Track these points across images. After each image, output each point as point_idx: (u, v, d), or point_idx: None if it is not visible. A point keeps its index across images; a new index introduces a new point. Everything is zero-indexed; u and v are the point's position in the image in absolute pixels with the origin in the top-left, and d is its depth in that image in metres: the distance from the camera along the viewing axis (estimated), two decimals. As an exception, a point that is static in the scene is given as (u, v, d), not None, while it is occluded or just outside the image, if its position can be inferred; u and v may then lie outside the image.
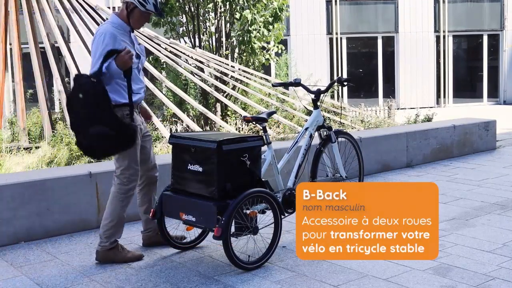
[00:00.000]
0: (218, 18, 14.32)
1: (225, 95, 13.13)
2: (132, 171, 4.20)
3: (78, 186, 4.97)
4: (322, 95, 5.07)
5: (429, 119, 11.65)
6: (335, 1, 21.57)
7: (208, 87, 12.87)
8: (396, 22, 21.96)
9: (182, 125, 12.64)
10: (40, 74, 11.97)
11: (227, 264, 4.10)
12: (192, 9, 14.07)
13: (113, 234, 4.22)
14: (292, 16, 20.67)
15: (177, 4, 13.86)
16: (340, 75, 21.62)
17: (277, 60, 16.94)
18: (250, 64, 14.33)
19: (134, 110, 4.17)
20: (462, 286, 3.68)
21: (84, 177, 5.02)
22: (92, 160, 8.82)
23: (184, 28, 14.56)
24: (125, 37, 4.18)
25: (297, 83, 5.03)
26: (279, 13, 14.09)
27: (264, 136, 4.40)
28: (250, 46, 13.79)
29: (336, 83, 5.21)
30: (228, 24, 14.43)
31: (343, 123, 11.92)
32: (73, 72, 11.36)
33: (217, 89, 13.35)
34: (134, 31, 4.36)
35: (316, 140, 5.13)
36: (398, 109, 18.00)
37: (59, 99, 12.95)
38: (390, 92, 21.22)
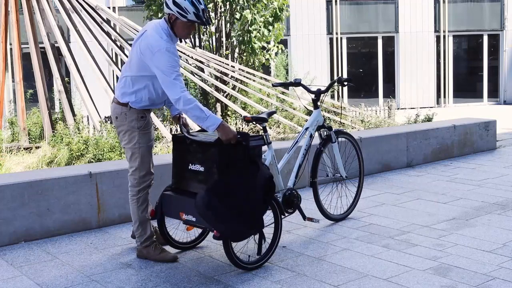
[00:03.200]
0: (218, 18, 14.33)
1: (225, 95, 13.13)
2: (142, 173, 4.20)
3: (78, 186, 4.97)
4: (322, 95, 5.06)
5: (429, 119, 11.66)
6: (335, 1, 21.58)
7: (208, 87, 12.87)
8: (396, 22, 21.97)
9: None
10: (40, 74, 11.97)
11: (227, 264, 4.10)
12: (192, 9, 14.05)
13: (142, 234, 4.28)
14: (292, 16, 20.69)
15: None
16: (340, 75, 21.63)
17: (275, 60, 16.95)
18: (250, 64, 14.34)
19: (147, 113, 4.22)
20: (462, 286, 3.68)
21: (84, 177, 5.02)
22: (92, 160, 8.84)
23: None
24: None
25: (297, 83, 5.02)
26: (279, 13, 14.11)
27: (264, 136, 4.39)
28: (250, 46, 13.80)
29: (336, 83, 5.20)
30: (228, 24, 14.44)
31: (343, 123, 11.92)
32: (73, 72, 11.35)
33: (217, 89, 13.35)
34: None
35: (316, 140, 5.12)
36: (398, 109, 18.02)
37: (59, 99, 12.94)
38: (390, 92, 21.24)
